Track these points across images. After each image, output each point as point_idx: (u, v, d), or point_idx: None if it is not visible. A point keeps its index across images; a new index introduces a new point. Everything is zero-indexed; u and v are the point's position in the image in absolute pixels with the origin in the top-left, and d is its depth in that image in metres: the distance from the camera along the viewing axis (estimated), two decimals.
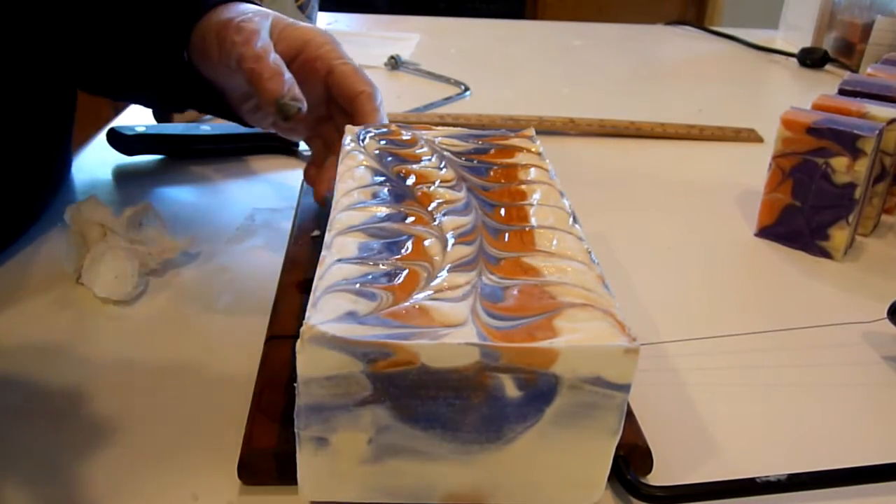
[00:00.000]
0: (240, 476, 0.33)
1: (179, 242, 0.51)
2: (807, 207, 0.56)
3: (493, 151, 0.45)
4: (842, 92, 0.63)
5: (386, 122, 0.50)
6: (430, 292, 0.31)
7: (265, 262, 0.52)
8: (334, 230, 0.35)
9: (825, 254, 0.57)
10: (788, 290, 0.53)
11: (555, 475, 0.31)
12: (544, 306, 0.30)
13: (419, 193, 0.39)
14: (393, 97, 0.87)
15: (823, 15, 1.13)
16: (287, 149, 0.69)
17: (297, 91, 0.47)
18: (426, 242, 0.34)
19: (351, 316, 0.29)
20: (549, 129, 0.79)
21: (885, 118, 0.56)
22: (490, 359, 0.28)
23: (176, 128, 0.69)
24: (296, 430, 0.29)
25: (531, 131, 0.48)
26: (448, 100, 0.89)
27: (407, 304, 0.30)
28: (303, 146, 0.69)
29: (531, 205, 0.38)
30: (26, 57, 0.53)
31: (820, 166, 0.55)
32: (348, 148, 0.43)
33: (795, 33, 1.20)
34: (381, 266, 0.32)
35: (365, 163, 0.41)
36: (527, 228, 0.36)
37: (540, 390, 0.29)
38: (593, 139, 0.79)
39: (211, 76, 0.52)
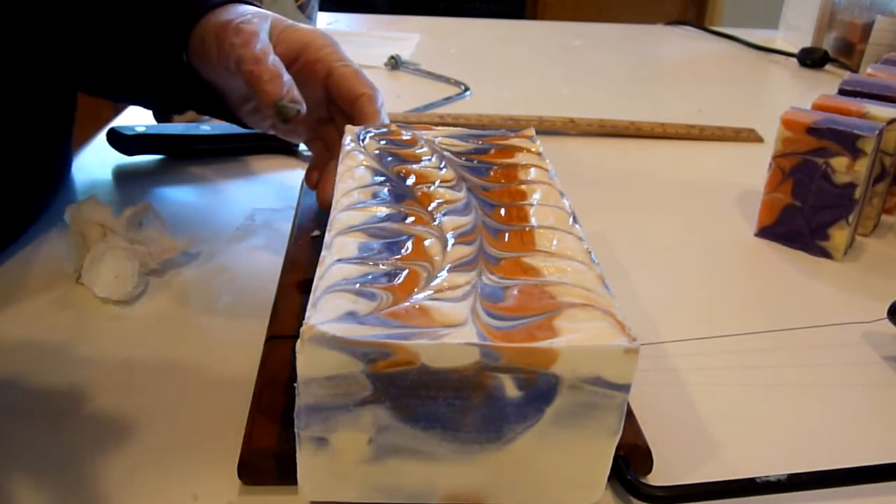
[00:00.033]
0: (240, 476, 0.33)
1: (179, 242, 0.51)
2: (807, 207, 0.56)
3: (493, 151, 0.45)
4: (842, 92, 0.63)
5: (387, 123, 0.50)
6: (430, 292, 0.31)
7: (265, 262, 0.52)
8: (334, 230, 0.35)
9: (825, 254, 0.57)
10: (788, 290, 0.53)
11: (555, 475, 0.31)
12: (544, 306, 0.30)
13: (419, 193, 0.39)
14: (393, 97, 0.88)
15: (823, 15, 1.13)
16: (287, 149, 0.69)
17: (295, 93, 0.47)
18: (426, 242, 0.34)
19: (351, 316, 0.29)
20: (549, 129, 0.79)
21: (885, 118, 0.56)
22: (490, 359, 0.28)
23: (176, 128, 0.69)
24: (296, 430, 0.29)
25: (531, 131, 0.48)
26: (448, 100, 0.89)
27: (407, 304, 0.30)
28: (303, 146, 0.69)
29: (531, 205, 0.38)
30: (27, 57, 0.53)
31: (820, 166, 0.55)
32: (348, 148, 0.43)
33: (795, 33, 1.20)
34: (381, 266, 0.32)
35: (365, 163, 0.41)
36: (527, 228, 0.36)
37: (540, 390, 0.29)
38: (593, 139, 0.79)
39: (210, 78, 0.52)
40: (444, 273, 0.32)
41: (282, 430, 0.34)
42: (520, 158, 0.44)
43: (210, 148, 0.69)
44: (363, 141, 0.45)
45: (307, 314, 0.28)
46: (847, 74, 0.65)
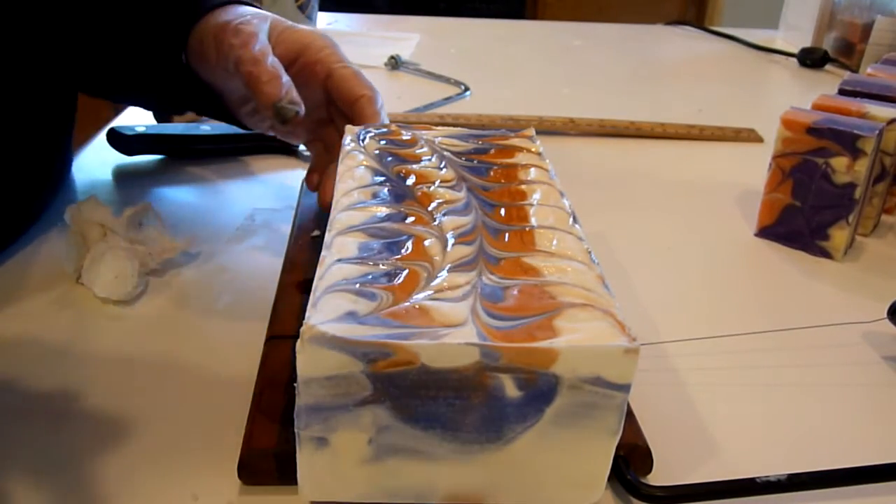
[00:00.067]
0: (240, 476, 0.33)
1: (179, 242, 0.51)
2: (807, 207, 0.56)
3: (493, 151, 0.45)
4: (842, 92, 0.63)
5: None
6: (430, 292, 0.31)
7: (265, 262, 0.52)
8: (334, 230, 0.35)
9: (825, 254, 0.57)
10: (788, 290, 0.53)
11: (555, 475, 0.31)
12: (544, 306, 0.30)
13: (419, 193, 0.39)
14: (393, 97, 0.88)
15: (823, 15, 1.13)
16: (287, 149, 0.69)
17: (294, 94, 0.47)
18: (426, 242, 0.34)
19: (351, 316, 0.29)
20: (549, 129, 0.79)
21: (885, 118, 0.56)
22: (490, 359, 0.28)
23: (176, 128, 0.69)
24: (296, 430, 0.29)
25: (531, 131, 0.48)
26: (448, 100, 0.89)
27: (407, 304, 0.30)
28: (303, 147, 0.69)
29: (531, 205, 0.38)
30: (27, 58, 0.53)
31: (820, 166, 0.55)
32: (348, 148, 0.43)
33: (795, 33, 1.20)
34: (381, 266, 0.32)
35: (365, 163, 0.41)
36: (527, 228, 0.36)
37: (540, 390, 0.29)
38: (593, 139, 0.79)
39: (209, 79, 0.52)
40: (444, 273, 0.32)
41: (282, 430, 0.34)
42: (520, 158, 0.44)
43: (210, 148, 0.69)
44: (363, 141, 0.45)
45: (307, 314, 0.28)
46: (847, 74, 0.65)
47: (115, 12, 0.52)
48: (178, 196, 0.62)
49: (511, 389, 0.29)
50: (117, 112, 0.80)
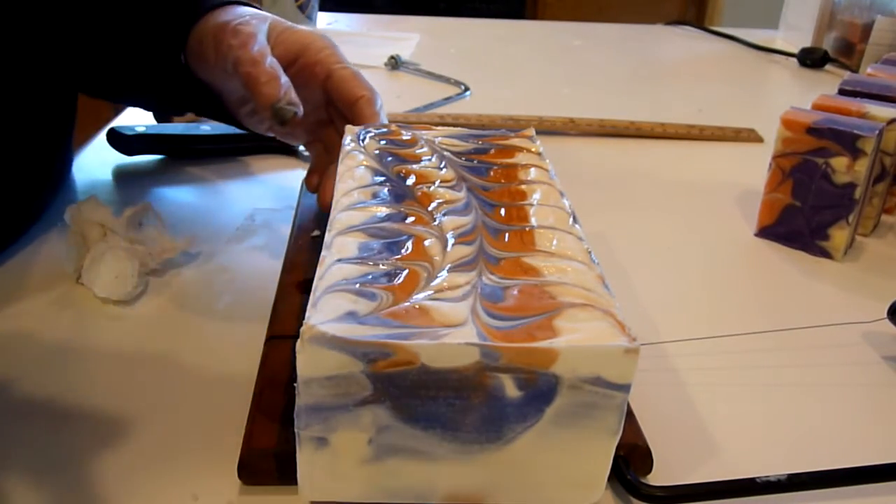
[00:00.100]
0: (240, 476, 0.33)
1: (179, 242, 0.51)
2: (807, 207, 0.56)
3: (493, 151, 0.45)
4: (842, 92, 0.63)
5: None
6: (430, 292, 0.31)
7: (265, 262, 0.52)
8: (334, 230, 0.35)
9: (825, 254, 0.57)
10: (788, 290, 0.53)
11: (555, 475, 0.31)
12: (544, 306, 0.30)
13: (419, 193, 0.39)
14: (393, 97, 0.88)
15: (823, 15, 1.13)
16: (287, 149, 0.69)
17: (293, 95, 0.47)
18: (426, 242, 0.34)
19: (351, 316, 0.29)
20: (549, 129, 0.79)
21: (885, 118, 0.56)
22: (490, 359, 0.28)
23: (176, 128, 0.69)
24: (296, 430, 0.29)
25: (531, 131, 0.48)
26: (448, 100, 0.89)
27: (407, 304, 0.30)
28: (302, 148, 0.69)
29: (531, 205, 0.38)
30: (27, 58, 0.53)
31: (820, 166, 0.55)
32: (348, 148, 0.43)
33: (795, 33, 1.20)
34: (381, 266, 0.32)
35: (365, 163, 0.41)
36: (527, 228, 0.36)
37: (540, 390, 0.29)
38: (593, 139, 0.79)
39: (208, 79, 0.52)
40: (444, 273, 0.32)
41: (282, 430, 0.34)
42: (520, 158, 0.44)
43: (210, 148, 0.69)
44: (363, 141, 0.45)
45: (307, 314, 0.28)
46: (847, 74, 0.65)
47: (114, 13, 0.52)
48: (178, 196, 0.62)
49: (511, 389, 0.29)
50: (117, 112, 0.80)
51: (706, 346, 0.45)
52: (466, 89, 0.93)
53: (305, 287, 0.44)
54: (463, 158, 0.44)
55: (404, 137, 0.46)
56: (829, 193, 0.55)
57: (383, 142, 0.45)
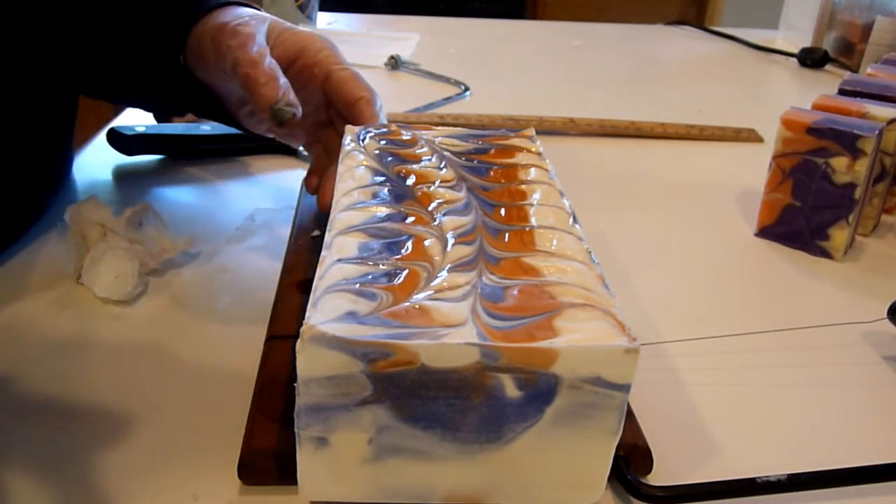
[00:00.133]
0: (240, 476, 0.33)
1: (179, 242, 0.51)
2: (807, 207, 0.56)
3: (493, 151, 0.45)
4: (842, 92, 0.63)
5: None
6: (430, 292, 0.31)
7: (265, 262, 0.52)
8: (334, 230, 0.35)
9: (825, 254, 0.57)
10: (788, 290, 0.53)
11: (555, 475, 0.31)
12: (544, 306, 0.30)
13: (419, 193, 0.39)
14: (393, 97, 0.87)
15: (823, 15, 1.13)
16: (287, 149, 0.69)
17: (291, 96, 0.46)
18: (426, 242, 0.34)
19: (351, 316, 0.29)
20: (549, 129, 0.79)
21: (885, 118, 0.56)
22: (490, 359, 0.28)
23: (176, 128, 0.69)
24: (296, 430, 0.29)
25: (531, 131, 0.48)
26: (448, 100, 0.89)
27: (407, 304, 0.30)
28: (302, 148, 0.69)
29: (531, 205, 0.38)
30: (27, 59, 0.53)
31: (820, 166, 0.55)
32: (348, 148, 0.43)
33: (795, 33, 1.20)
34: (381, 266, 0.32)
35: (365, 163, 0.41)
36: (527, 228, 0.36)
37: (540, 390, 0.29)
38: (593, 139, 0.79)
39: (208, 80, 0.51)
40: (444, 273, 0.32)
41: (282, 430, 0.34)
42: (520, 158, 0.44)
43: (210, 148, 0.69)
44: (363, 141, 0.45)
45: (307, 314, 0.28)
46: (847, 74, 0.65)
47: (113, 13, 0.52)
48: (178, 196, 0.62)
49: (511, 389, 0.29)
50: (117, 112, 0.80)
51: (706, 346, 0.44)
52: (466, 89, 0.93)
53: (305, 287, 0.44)
54: (463, 158, 0.44)
55: (404, 137, 0.46)
56: (829, 193, 0.55)
57: (383, 142, 0.45)
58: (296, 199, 0.59)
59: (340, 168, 0.41)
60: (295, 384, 0.28)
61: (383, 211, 0.36)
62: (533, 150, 0.45)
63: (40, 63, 0.54)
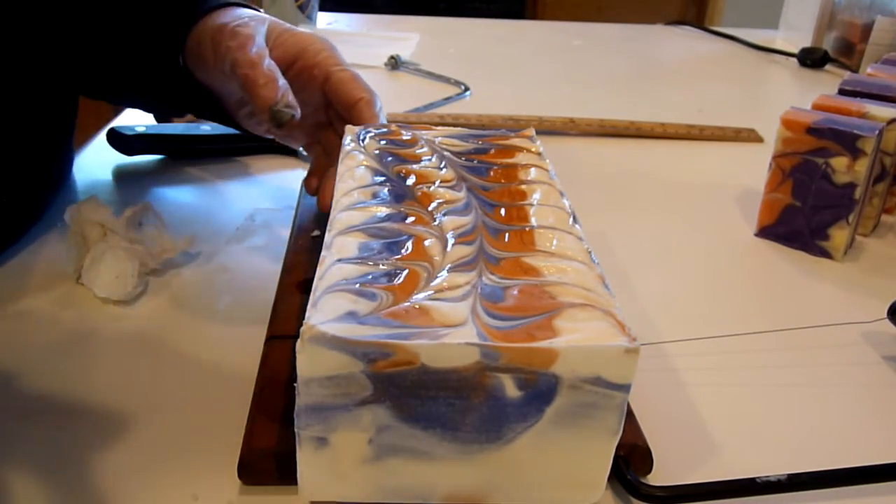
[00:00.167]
0: (240, 476, 0.33)
1: (179, 242, 0.51)
2: (807, 207, 0.56)
3: (493, 151, 0.45)
4: (842, 92, 0.63)
5: None
6: (430, 292, 0.31)
7: (265, 262, 0.52)
8: (334, 230, 0.35)
9: (825, 254, 0.57)
10: (788, 290, 0.53)
11: (555, 475, 0.31)
12: (544, 306, 0.30)
13: (419, 193, 0.39)
14: (393, 97, 0.87)
15: (823, 15, 1.13)
16: (287, 149, 0.69)
17: (290, 98, 0.46)
18: (426, 242, 0.34)
19: (351, 316, 0.29)
20: (549, 129, 0.79)
21: (885, 118, 0.56)
22: (490, 359, 0.28)
23: (176, 128, 0.69)
24: (296, 430, 0.29)
25: (531, 131, 0.48)
26: (448, 100, 0.89)
27: (407, 304, 0.30)
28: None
29: (531, 205, 0.38)
30: (27, 59, 0.53)
31: (820, 166, 0.55)
32: (348, 148, 0.43)
33: (795, 33, 1.20)
34: (381, 266, 0.32)
35: (365, 163, 0.41)
36: (527, 228, 0.36)
37: (540, 390, 0.29)
38: (593, 139, 0.79)
39: (207, 81, 0.51)
40: (444, 273, 0.32)
41: (282, 430, 0.34)
42: (520, 158, 0.44)
43: (210, 148, 0.69)
44: (363, 141, 0.45)
45: (307, 314, 0.28)
46: (847, 74, 0.65)
47: (113, 14, 0.52)
48: (178, 196, 0.62)
49: (511, 389, 0.29)
50: (117, 112, 0.80)
51: (706, 346, 0.44)
52: (466, 89, 0.93)
53: (305, 287, 0.44)
54: (463, 158, 0.44)
55: (404, 137, 0.46)
56: (829, 193, 0.55)
57: (383, 142, 0.45)
58: (296, 200, 0.59)
59: (340, 168, 0.41)
60: (295, 384, 0.28)
61: (383, 211, 0.36)
62: (533, 150, 0.45)
63: (40, 63, 0.54)
